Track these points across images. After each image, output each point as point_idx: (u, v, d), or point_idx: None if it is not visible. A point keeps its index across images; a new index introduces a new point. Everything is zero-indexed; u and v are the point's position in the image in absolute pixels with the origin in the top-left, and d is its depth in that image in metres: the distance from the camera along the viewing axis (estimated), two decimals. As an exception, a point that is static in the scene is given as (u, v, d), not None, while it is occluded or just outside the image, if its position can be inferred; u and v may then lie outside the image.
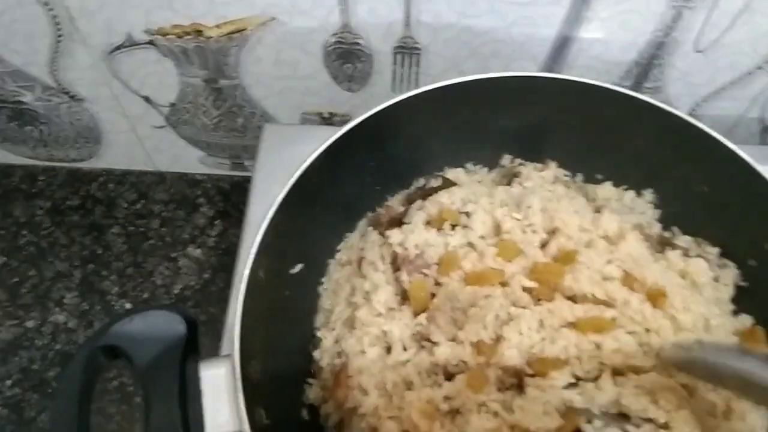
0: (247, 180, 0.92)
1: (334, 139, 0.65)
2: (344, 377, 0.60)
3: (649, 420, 0.54)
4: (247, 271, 0.58)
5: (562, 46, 0.88)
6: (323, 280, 0.71)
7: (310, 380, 0.65)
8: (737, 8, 0.82)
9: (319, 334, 0.67)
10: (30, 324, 1.07)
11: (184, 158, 1.18)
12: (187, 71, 0.98)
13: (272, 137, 0.92)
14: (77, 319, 1.08)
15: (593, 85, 0.70)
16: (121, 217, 1.19)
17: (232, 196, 1.20)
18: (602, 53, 0.90)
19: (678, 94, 0.98)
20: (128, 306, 1.10)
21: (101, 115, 1.08)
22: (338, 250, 0.72)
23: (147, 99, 1.04)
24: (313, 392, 0.64)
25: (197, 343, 0.59)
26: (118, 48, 0.93)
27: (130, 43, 0.92)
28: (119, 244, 1.16)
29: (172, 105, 1.05)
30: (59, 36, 0.91)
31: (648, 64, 0.92)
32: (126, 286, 1.11)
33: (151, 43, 0.92)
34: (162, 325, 0.57)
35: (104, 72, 0.98)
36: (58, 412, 0.55)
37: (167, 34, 0.90)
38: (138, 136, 1.13)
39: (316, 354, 0.65)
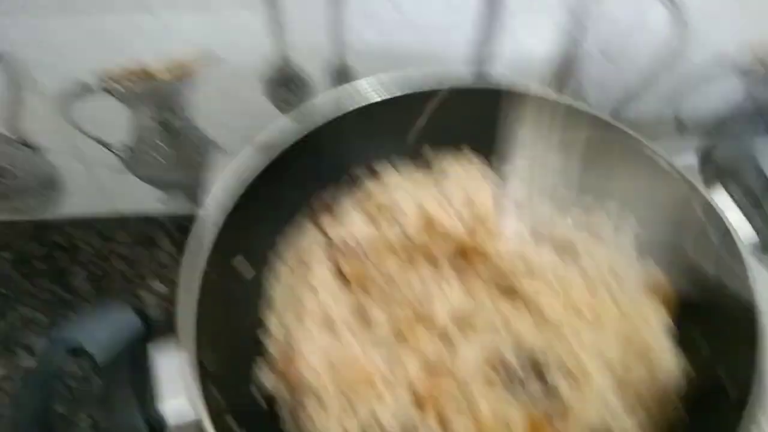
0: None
1: (271, 158, 0.72)
2: (290, 356, 0.64)
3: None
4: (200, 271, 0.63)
5: (482, 57, 0.97)
6: (266, 272, 0.75)
7: (263, 366, 0.69)
8: (630, 14, 0.93)
9: (266, 320, 0.71)
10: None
11: (144, 199, 1.23)
12: (140, 113, 1.04)
13: (220, 164, 0.98)
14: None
15: (511, 91, 0.77)
16: (85, 261, 1.22)
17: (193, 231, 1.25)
18: (517, 61, 0.99)
19: (597, 100, 1.07)
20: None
21: (60, 163, 1.13)
22: (278, 243, 0.77)
23: (101, 141, 1.09)
24: (266, 379, 0.68)
25: (153, 336, 0.64)
26: (71, 95, 1.00)
27: (83, 91, 0.99)
28: (85, 286, 1.19)
29: (129, 148, 1.11)
30: (15, 87, 0.97)
31: (565, 73, 1.02)
32: (93, 326, 1.13)
33: (104, 89, 0.99)
34: (119, 321, 0.62)
35: (60, 120, 1.04)
36: (22, 412, 0.58)
37: (119, 80, 0.97)
38: (97, 181, 1.18)
39: (265, 340, 0.70)
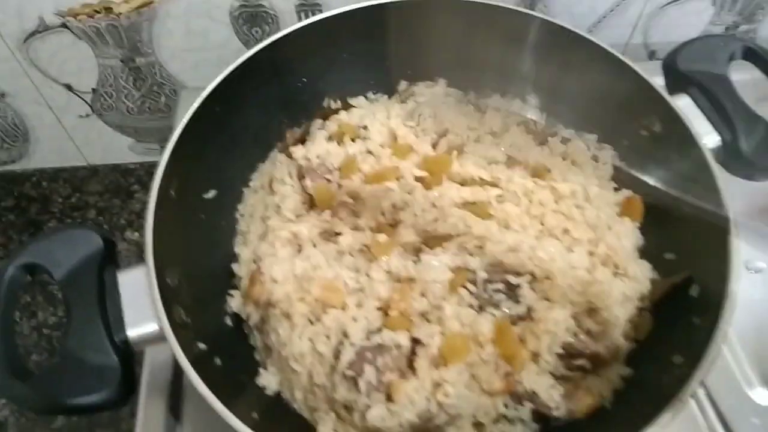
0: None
1: (229, 71, 0.71)
2: (258, 275, 0.64)
3: (529, 272, 0.60)
4: (156, 185, 0.62)
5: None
6: (239, 206, 0.75)
7: (232, 292, 0.69)
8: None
9: (237, 250, 0.71)
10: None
11: (115, 148, 1.22)
12: (104, 52, 1.02)
13: (187, 101, 0.96)
14: (19, 311, 1.10)
15: (478, 3, 0.76)
16: (56, 211, 1.21)
17: (166, 180, 1.23)
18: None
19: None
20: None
21: (25, 110, 1.11)
22: (251, 179, 0.77)
23: (68, 87, 1.07)
24: (234, 302, 0.68)
25: (115, 257, 0.63)
26: (32, 34, 0.97)
27: (43, 28, 0.96)
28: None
29: (94, 91, 1.09)
30: (-27, 28, 0.95)
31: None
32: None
33: (64, 26, 0.96)
34: (80, 241, 0.61)
35: (22, 62, 1.01)
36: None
37: (78, 14, 0.95)
38: (65, 129, 1.16)
39: (235, 267, 0.69)
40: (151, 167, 1.25)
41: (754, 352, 0.79)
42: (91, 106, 1.12)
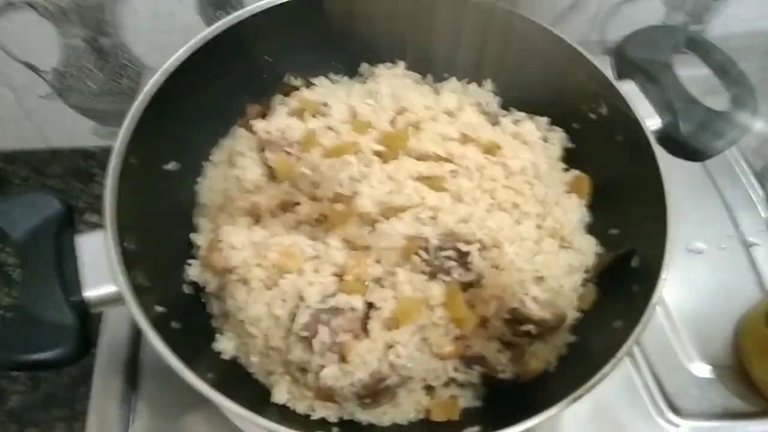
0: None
1: (195, 45, 0.72)
2: (216, 243, 0.65)
3: (479, 241, 0.63)
4: (116, 151, 0.63)
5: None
6: (199, 179, 0.76)
7: (191, 261, 0.70)
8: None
9: (196, 221, 0.72)
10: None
11: (76, 131, 1.21)
12: (67, 31, 1.02)
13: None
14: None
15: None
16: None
17: (128, 164, 1.23)
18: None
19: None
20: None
21: (-14, 89, 1.10)
22: (212, 153, 0.78)
23: (30, 66, 1.07)
24: (193, 270, 0.69)
25: (73, 222, 0.63)
26: (-5, 11, 0.96)
27: (5, 4, 0.96)
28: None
29: (56, 71, 1.08)
30: (-68, 2, 0.94)
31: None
32: (24, 255, 1.11)
33: (28, 4, 0.96)
34: (37, 205, 0.61)
35: (-15, 41, 1.00)
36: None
37: (42, -9, 0.95)
38: (25, 109, 1.15)
39: (194, 237, 0.70)
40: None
41: (695, 329, 0.83)
42: (52, 86, 1.11)
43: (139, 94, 0.68)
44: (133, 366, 0.77)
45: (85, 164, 1.23)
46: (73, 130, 1.21)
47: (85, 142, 1.24)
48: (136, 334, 0.79)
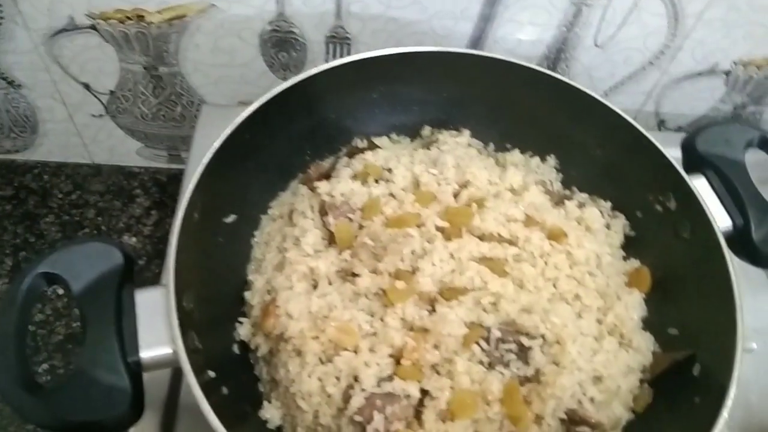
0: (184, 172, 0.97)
1: (265, 100, 0.72)
2: (273, 308, 0.64)
3: (542, 336, 0.61)
4: (183, 207, 0.62)
5: (478, 40, 0.98)
6: (256, 233, 0.76)
7: (242, 319, 0.69)
8: (627, 6, 0.94)
9: (250, 277, 0.71)
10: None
11: (122, 150, 1.21)
12: (128, 57, 1.02)
13: (209, 117, 0.97)
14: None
15: (506, 61, 0.78)
16: (55, 206, 1.19)
17: (169, 188, 1.23)
18: (515, 48, 1.00)
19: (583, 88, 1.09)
20: (61, 292, 1.10)
21: (39, 103, 1.10)
22: (271, 207, 0.77)
23: (86, 86, 1.07)
24: (244, 330, 0.68)
25: (132, 274, 0.63)
26: (59, 32, 0.97)
27: (71, 27, 0.96)
28: (53, 233, 1.17)
29: (112, 93, 1.08)
30: (0, 18, 0.94)
31: (555, 59, 1.03)
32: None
33: (92, 27, 0.96)
34: (100, 255, 0.61)
35: (44, 57, 1.01)
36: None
37: (109, 18, 0.95)
38: (75, 126, 1.15)
39: (247, 295, 0.70)
40: (155, 173, 1.25)
41: (739, 428, 0.81)
42: (105, 107, 1.12)
43: (206, 149, 0.67)
44: (172, 413, 0.76)
45: (127, 184, 1.23)
46: (118, 149, 1.21)
47: (129, 161, 1.24)
48: (177, 375, 0.78)
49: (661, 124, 1.15)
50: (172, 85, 1.07)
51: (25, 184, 1.21)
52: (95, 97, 1.09)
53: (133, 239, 1.18)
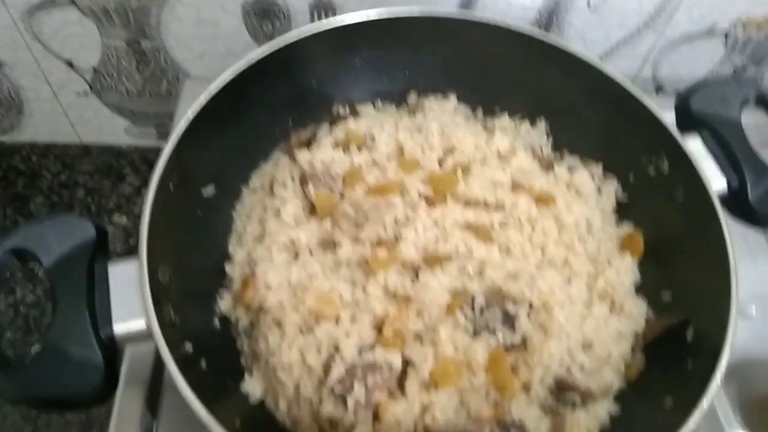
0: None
1: (242, 68, 0.69)
2: (252, 280, 0.62)
3: (528, 302, 0.59)
4: (156, 177, 0.61)
5: (468, 2, 0.95)
6: (237, 205, 0.74)
7: (222, 293, 0.67)
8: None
9: (231, 250, 0.70)
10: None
11: (110, 129, 1.19)
12: (109, 32, 1.00)
13: (192, 91, 0.94)
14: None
15: (495, 24, 0.75)
16: (44, 187, 1.18)
17: (159, 166, 1.21)
18: (505, 12, 0.97)
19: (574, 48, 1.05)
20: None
21: (22, 82, 1.08)
22: (251, 178, 0.75)
23: (69, 63, 1.05)
24: (224, 303, 0.66)
25: (107, 248, 0.61)
26: (37, 7, 0.95)
27: (50, 2, 0.94)
28: (43, 213, 1.16)
29: (95, 69, 1.06)
30: (-24, -5, 0.92)
31: (547, 23, 1.00)
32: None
33: (72, 1, 0.94)
34: (71, 229, 0.59)
35: (24, 33, 0.99)
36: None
37: (87, -9, 0.93)
38: (61, 105, 1.13)
39: (228, 268, 0.68)
40: (144, 152, 1.24)
41: (737, 395, 0.79)
42: (90, 85, 1.10)
43: (179, 118, 0.65)
44: (156, 390, 0.75)
45: (116, 163, 1.22)
46: (106, 128, 1.20)
47: (118, 140, 1.23)
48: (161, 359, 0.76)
49: (659, 90, 1.12)
50: (156, 60, 1.04)
51: (14, 165, 1.20)
52: (79, 74, 1.07)
53: (123, 218, 1.17)
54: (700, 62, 1.08)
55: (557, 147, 0.79)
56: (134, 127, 1.20)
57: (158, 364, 0.77)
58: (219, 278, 0.69)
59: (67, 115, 1.15)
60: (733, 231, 0.63)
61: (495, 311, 0.59)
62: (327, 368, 0.58)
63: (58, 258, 0.57)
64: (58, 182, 1.19)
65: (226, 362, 0.65)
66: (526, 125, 0.80)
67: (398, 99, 0.83)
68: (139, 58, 1.04)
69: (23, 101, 1.12)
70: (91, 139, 1.21)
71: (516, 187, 0.68)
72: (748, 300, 0.85)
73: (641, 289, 0.69)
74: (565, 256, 0.65)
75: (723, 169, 0.67)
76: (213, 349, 0.63)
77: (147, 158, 1.23)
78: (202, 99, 0.66)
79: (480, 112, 0.82)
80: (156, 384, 0.76)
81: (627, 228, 0.72)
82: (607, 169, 0.75)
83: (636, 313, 0.65)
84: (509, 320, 0.59)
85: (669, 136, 0.68)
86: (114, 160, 1.21)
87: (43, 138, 1.21)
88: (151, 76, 1.08)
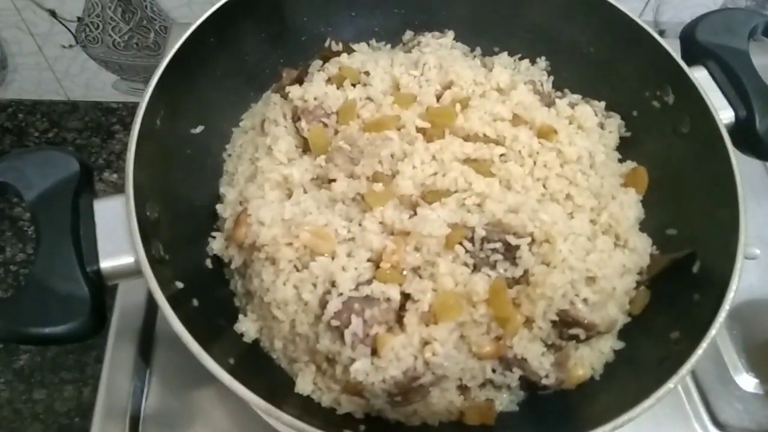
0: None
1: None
2: (244, 216, 0.60)
3: (530, 234, 0.57)
4: (142, 110, 0.58)
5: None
6: (228, 146, 0.71)
7: (215, 233, 0.65)
8: None
9: (222, 190, 0.67)
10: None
11: (97, 84, 1.16)
12: (93, -21, 0.96)
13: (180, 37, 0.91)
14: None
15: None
16: (31, 145, 1.16)
17: (149, 123, 1.18)
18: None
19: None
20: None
21: (4, 34, 1.05)
22: (242, 119, 0.73)
23: (52, 13, 1.02)
24: (216, 243, 0.64)
25: (92, 184, 0.59)
26: (17, -49, 0.91)
27: (29, -54, 0.90)
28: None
29: (79, 19, 1.03)
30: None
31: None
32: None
33: (51, -55, 0.91)
34: (53, 163, 0.57)
35: (6, -17, 0.95)
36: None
37: (68, -67, 0.89)
38: (46, 59, 1.10)
39: (219, 208, 0.66)
40: (134, 108, 1.20)
41: (743, 338, 0.78)
42: (75, 37, 1.06)
43: (168, 50, 0.63)
44: (148, 336, 0.73)
45: (105, 120, 1.19)
46: (94, 83, 1.16)
47: (106, 96, 1.20)
48: (152, 304, 0.75)
49: (662, 35, 1.09)
50: (142, 9, 1.01)
51: (0, 123, 1.17)
52: (63, 24, 1.04)
53: (114, 175, 1.14)
54: (703, 4, 1.05)
55: (558, 86, 0.77)
56: (122, 82, 1.17)
57: (150, 314, 0.75)
58: (211, 220, 0.67)
59: (53, 69, 1.12)
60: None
61: (495, 244, 0.57)
62: (323, 303, 0.56)
63: (41, 192, 0.55)
64: (46, 140, 1.16)
65: (219, 304, 0.63)
66: (525, 63, 0.78)
67: (393, 38, 0.80)
68: (125, 6, 1.00)
69: (6, 55, 1.09)
70: (79, 95, 1.18)
71: (516, 120, 0.65)
72: (752, 242, 0.83)
73: (646, 225, 0.67)
74: (567, 189, 0.63)
75: (730, 100, 0.65)
76: (205, 289, 0.61)
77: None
78: (189, 32, 0.64)
79: (478, 51, 0.79)
80: (148, 334, 0.74)
81: (631, 165, 0.70)
82: (610, 106, 0.73)
83: (640, 248, 0.64)
84: (510, 253, 0.57)
85: (675, 67, 0.66)
86: (102, 117, 1.19)
87: (29, 95, 1.18)
88: (137, 26, 1.04)
